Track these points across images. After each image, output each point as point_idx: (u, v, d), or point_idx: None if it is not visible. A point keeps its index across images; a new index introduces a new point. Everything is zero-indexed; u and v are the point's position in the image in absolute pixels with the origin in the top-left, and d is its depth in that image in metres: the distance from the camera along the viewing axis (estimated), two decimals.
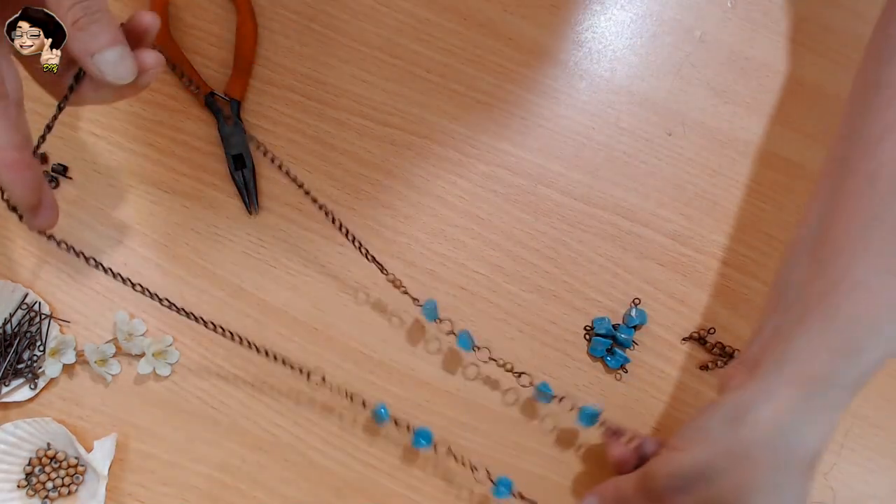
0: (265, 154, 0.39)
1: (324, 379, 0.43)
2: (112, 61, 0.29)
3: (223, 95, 0.46)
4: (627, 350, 0.46)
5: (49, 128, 0.33)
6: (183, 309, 0.38)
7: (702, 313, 0.47)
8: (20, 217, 0.33)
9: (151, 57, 0.31)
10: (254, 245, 0.46)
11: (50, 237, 0.34)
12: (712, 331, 0.46)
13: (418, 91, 0.48)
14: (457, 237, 0.46)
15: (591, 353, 0.46)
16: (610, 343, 0.45)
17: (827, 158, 0.40)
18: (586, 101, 0.49)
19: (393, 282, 0.43)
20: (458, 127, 0.48)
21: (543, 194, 0.47)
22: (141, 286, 0.37)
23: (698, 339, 0.46)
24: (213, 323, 0.39)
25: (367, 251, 0.42)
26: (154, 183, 0.46)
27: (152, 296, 0.37)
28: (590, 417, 0.43)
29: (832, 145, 0.40)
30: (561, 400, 0.43)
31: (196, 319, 0.39)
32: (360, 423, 0.44)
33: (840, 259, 0.35)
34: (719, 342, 0.46)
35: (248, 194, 0.46)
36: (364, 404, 0.42)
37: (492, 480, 0.42)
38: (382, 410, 0.42)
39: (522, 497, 0.42)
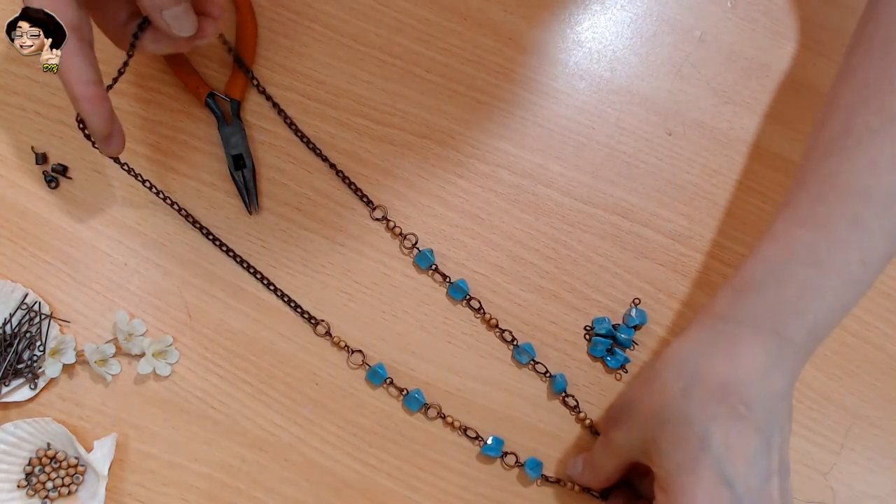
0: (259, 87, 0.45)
1: (350, 344, 0.43)
2: (176, 15, 0.36)
3: (223, 95, 0.46)
4: (627, 350, 0.46)
5: (121, 72, 0.39)
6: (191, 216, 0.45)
7: None
8: (93, 144, 0.38)
9: (209, 20, 0.38)
10: (254, 245, 0.46)
11: (116, 161, 0.42)
12: None
13: (418, 91, 0.48)
14: (457, 237, 0.46)
15: (591, 353, 0.46)
16: (610, 343, 0.45)
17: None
18: (586, 101, 0.49)
19: (391, 229, 0.45)
20: (458, 127, 0.48)
21: (543, 194, 0.47)
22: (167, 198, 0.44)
23: None
24: (221, 242, 0.45)
25: (388, 219, 0.46)
26: (154, 183, 0.46)
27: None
28: (561, 385, 0.44)
29: None
30: (536, 364, 0.45)
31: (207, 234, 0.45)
32: (361, 422, 0.44)
33: (772, 224, 0.39)
34: None
35: (248, 194, 0.46)
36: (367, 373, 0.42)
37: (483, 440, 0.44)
38: (381, 369, 0.43)
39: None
